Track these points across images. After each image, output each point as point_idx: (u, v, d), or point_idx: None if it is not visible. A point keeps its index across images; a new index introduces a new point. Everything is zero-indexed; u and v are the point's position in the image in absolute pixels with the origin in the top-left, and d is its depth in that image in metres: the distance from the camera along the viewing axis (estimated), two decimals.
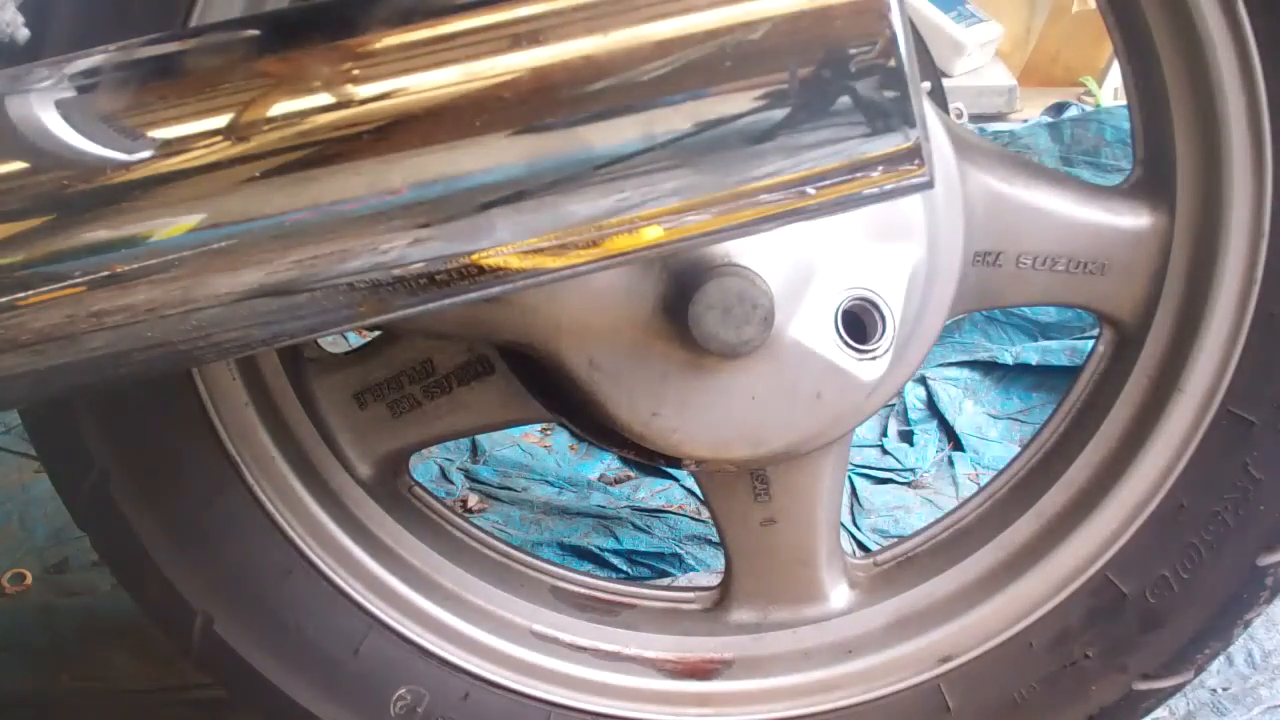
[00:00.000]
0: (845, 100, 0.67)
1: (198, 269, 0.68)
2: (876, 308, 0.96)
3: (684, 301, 0.90)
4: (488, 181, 0.68)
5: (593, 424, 1.03)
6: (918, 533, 1.16)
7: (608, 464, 1.93)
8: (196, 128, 0.68)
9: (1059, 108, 2.68)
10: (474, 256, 0.70)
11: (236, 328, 0.71)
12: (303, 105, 0.68)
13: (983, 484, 1.23)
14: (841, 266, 0.95)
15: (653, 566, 1.64)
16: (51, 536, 1.76)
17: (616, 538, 1.70)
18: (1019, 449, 1.16)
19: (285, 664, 1.04)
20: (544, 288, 0.91)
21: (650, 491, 1.84)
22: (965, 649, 1.07)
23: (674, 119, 0.68)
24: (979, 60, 3.43)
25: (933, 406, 2.00)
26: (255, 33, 0.70)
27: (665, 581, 1.60)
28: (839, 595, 1.12)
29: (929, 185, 0.72)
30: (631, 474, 1.91)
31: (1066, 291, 1.05)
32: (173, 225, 0.68)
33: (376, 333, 1.16)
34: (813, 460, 1.06)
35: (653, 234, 0.71)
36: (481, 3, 0.68)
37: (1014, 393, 2.03)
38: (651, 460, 1.07)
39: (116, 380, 0.73)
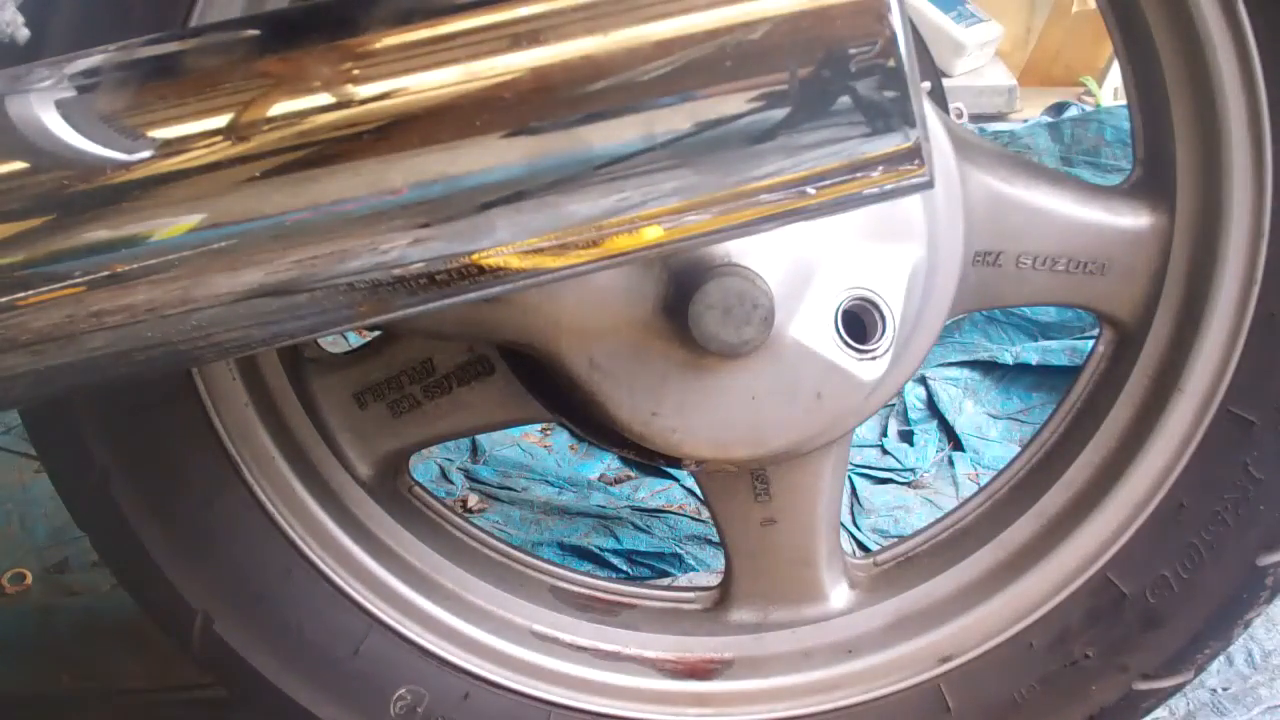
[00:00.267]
0: (845, 100, 0.67)
1: (198, 269, 0.68)
2: (876, 308, 0.96)
3: (684, 301, 0.90)
4: (488, 181, 0.68)
5: (593, 424, 1.03)
6: (918, 533, 1.16)
7: (608, 464, 1.93)
8: (196, 128, 0.68)
9: (1059, 108, 2.68)
10: (474, 256, 0.70)
11: (236, 328, 0.71)
12: (303, 105, 0.68)
13: (983, 484, 1.23)
14: (841, 266, 0.95)
15: (653, 566, 1.64)
16: (51, 536, 1.76)
17: (616, 538, 1.70)
18: (1019, 449, 1.16)
19: (285, 664, 1.04)
20: (544, 287, 0.92)
21: (650, 491, 1.84)
22: (965, 649, 1.07)
23: (674, 119, 0.68)
24: (979, 60, 3.43)
25: (933, 406, 2.00)
26: (255, 33, 0.70)
27: (665, 581, 1.60)
28: (839, 595, 1.12)
29: (929, 185, 0.72)
30: (631, 474, 1.91)
31: (1066, 291, 1.05)
32: (173, 225, 0.68)
33: (376, 333, 1.16)
34: (813, 460, 1.06)
35: (653, 234, 0.71)
36: (481, 3, 0.68)
37: (1014, 393, 2.03)
38: (651, 460, 1.07)
39: (116, 380, 0.73)
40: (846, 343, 0.95)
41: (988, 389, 2.04)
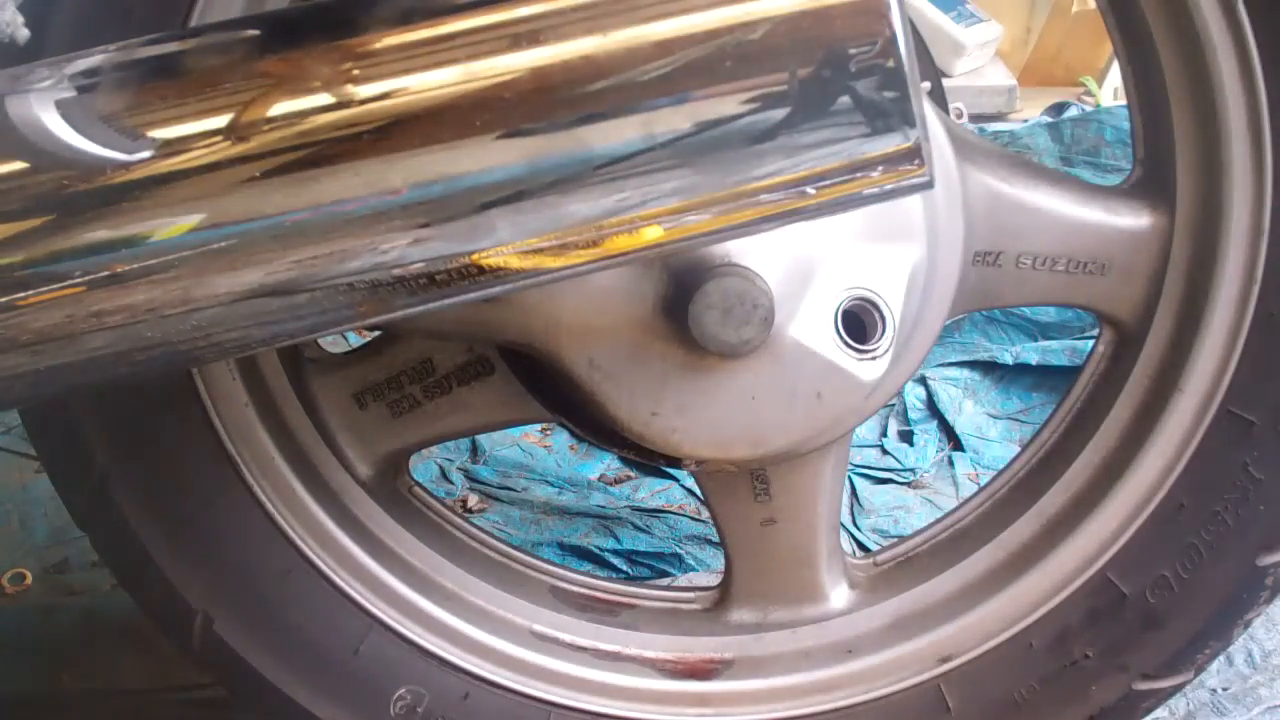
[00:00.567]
0: (845, 100, 0.67)
1: (198, 269, 0.68)
2: (876, 308, 0.96)
3: (684, 301, 0.90)
4: (488, 181, 0.68)
5: (592, 424, 1.03)
6: (918, 533, 1.16)
7: (608, 464, 1.93)
8: (196, 128, 0.68)
9: (1059, 108, 2.68)
10: (474, 256, 0.70)
11: (236, 328, 0.71)
12: (303, 105, 0.68)
13: (983, 484, 1.23)
14: (841, 266, 0.95)
15: (653, 566, 1.64)
16: (51, 536, 1.76)
17: (616, 538, 1.70)
18: (1019, 449, 1.16)
19: (285, 664, 1.04)
20: (544, 288, 0.91)
21: (650, 491, 1.84)
22: (965, 649, 1.07)
23: (674, 119, 0.68)
24: (979, 60, 3.43)
25: (933, 406, 2.00)
26: (255, 33, 0.70)
27: (665, 581, 1.60)
28: (839, 595, 1.12)
29: (929, 185, 0.72)
30: (631, 474, 1.91)
31: (1066, 291, 1.05)
32: (173, 225, 0.68)
33: (376, 333, 1.16)
34: (813, 460, 1.06)
35: (653, 234, 0.71)
36: (481, 3, 0.68)
37: (1014, 393, 2.03)
38: (651, 460, 1.07)
39: (116, 380, 0.73)
40: (846, 343, 0.95)
41: (988, 389, 2.04)
